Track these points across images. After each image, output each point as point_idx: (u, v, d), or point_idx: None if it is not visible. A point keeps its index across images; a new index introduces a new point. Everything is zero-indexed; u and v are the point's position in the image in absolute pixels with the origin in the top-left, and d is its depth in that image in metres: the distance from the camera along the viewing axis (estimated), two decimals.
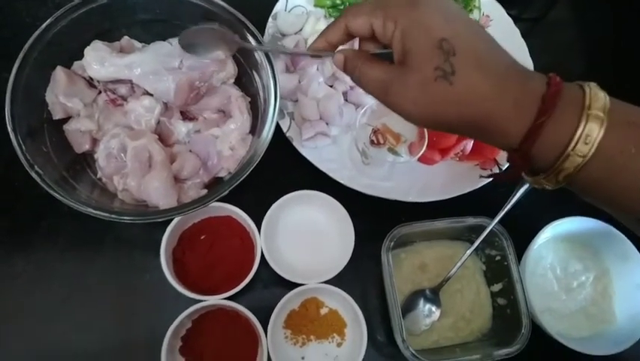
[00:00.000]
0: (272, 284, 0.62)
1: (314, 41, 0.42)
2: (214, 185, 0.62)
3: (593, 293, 0.66)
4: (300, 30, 0.73)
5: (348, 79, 0.68)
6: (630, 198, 0.34)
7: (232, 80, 0.63)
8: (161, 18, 0.62)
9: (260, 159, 0.55)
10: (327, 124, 0.67)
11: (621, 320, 0.64)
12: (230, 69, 0.62)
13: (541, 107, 0.33)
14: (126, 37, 0.63)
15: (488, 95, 0.34)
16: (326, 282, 0.59)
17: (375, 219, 0.63)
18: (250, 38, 0.59)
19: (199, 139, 0.62)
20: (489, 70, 0.34)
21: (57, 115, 0.58)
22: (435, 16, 0.35)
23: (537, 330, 0.60)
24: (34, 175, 0.51)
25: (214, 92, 0.62)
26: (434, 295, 0.62)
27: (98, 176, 0.59)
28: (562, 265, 0.67)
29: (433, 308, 0.62)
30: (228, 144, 0.61)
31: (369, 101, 0.68)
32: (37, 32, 0.55)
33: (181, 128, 0.62)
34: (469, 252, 0.61)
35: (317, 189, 0.63)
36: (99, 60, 0.57)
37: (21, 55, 0.54)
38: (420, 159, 0.67)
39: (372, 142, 0.65)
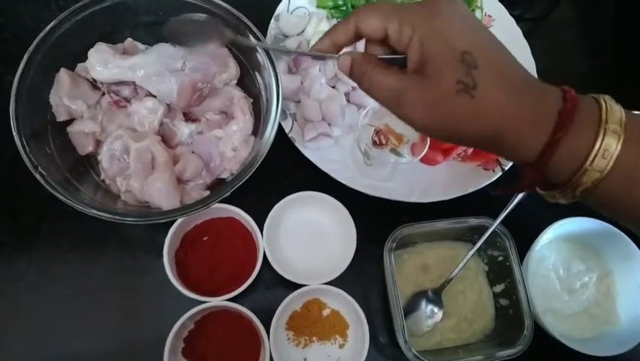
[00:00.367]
0: (274, 285, 0.62)
1: (318, 40, 0.40)
2: (216, 186, 0.62)
3: (596, 294, 0.66)
4: (303, 31, 0.73)
5: (349, 80, 0.68)
6: None
7: (234, 82, 0.64)
8: (164, 20, 0.62)
9: (262, 160, 0.55)
10: (329, 125, 0.67)
11: (624, 320, 0.64)
12: (233, 70, 0.62)
13: (558, 122, 0.33)
14: (129, 39, 0.63)
15: (507, 110, 0.33)
16: (328, 283, 0.59)
17: (377, 219, 0.63)
18: (252, 39, 0.60)
19: (202, 140, 0.62)
20: (509, 84, 0.34)
21: (61, 117, 0.59)
22: (457, 26, 0.34)
23: (540, 331, 0.60)
24: (37, 176, 0.51)
25: (217, 94, 0.62)
26: (436, 296, 0.62)
27: (102, 177, 0.59)
28: (564, 266, 0.66)
29: (436, 309, 0.62)
30: (231, 145, 0.61)
31: (372, 102, 0.68)
32: (41, 35, 0.55)
33: (184, 130, 0.62)
34: (471, 253, 0.61)
35: (319, 190, 0.63)
36: (103, 62, 0.57)
37: (25, 57, 0.54)
38: (422, 160, 0.67)
39: (374, 143, 0.65)
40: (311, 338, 0.60)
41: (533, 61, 0.75)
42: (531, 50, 0.75)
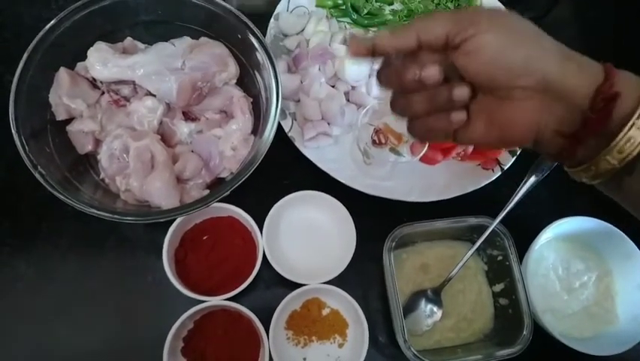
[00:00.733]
0: (274, 285, 0.62)
1: (389, 35, 0.39)
2: (216, 185, 0.62)
3: (596, 293, 0.66)
4: (302, 30, 0.73)
5: (349, 79, 0.68)
6: None
7: (234, 81, 0.64)
8: (164, 19, 0.63)
9: (262, 160, 0.55)
10: (328, 124, 0.67)
11: (624, 320, 0.64)
12: (232, 70, 0.62)
13: (606, 69, 0.36)
14: (129, 39, 0.63)
15: (555, 59, 0.37)
16: (328, 282, 0.59)
17: (376, 219, 0.63)
18: (252, 39, 0.60)
19: (201, 139, 0.62)
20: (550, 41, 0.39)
21: (60, 116, 0.59)
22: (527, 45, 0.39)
23: (539, 330, 0.60)
24: (37, 176, 0.51)
25: (216, 93, 0.62)
26: (436, 296, 0.62)
27: (101, 177, 0.59)
28: (564, 265, 0.67)
29: (435, 309, 0.62)
30: (230, 144, 0.61)
31: (371, 101, 0.68)
32: (40, 34, 0.55)
33: (183, 129, 0.62)
34: (470, 252, 0.61)
35: (319, 190, 0.63)
36: (102, 61, 0.57)
37: (24, 56, 0.54)
38: (421, 159, 0.67)
39: (373, 142, 0.65)
40: (310, 338, 0.60)
41: None
42: None
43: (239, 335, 0.57)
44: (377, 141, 0.64)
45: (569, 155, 0.38)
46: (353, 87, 0.69)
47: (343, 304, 0.61)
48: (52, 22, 0.56)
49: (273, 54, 0.59)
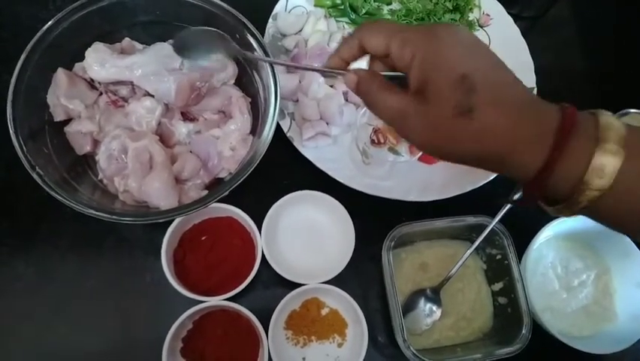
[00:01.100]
0: (273, 285, 0.62)
1: (328, 58, 0.41)
2: (215, 186, 0.62)
3: (594, 292, 0.66)
4: (300, 30, 0.73)
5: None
6: None
7: (232, 81, 0.64)
8: (162, 20, 0.63)
9: (260, 160, 0.55)
10: (327, 124, 0.67)
11: (622, 318, 0.64)
12: (231, 70, 0.62)
13: (555, 141, 0.33)
14: (127, 39, 0.63)
15: (506, 131, 0.34)
16: (327, 282, 0.59)
17: (375, 218, 0.63)
18: (250, 39, 0.60)
19: (200, 140, 0.62)
20: (508, 105, 0.34)
21: (58, 117, 0.59)
22: (457, 50, 0.35)
23: (538, 329, 0.60)
24: (35, 177, 0.51)
25: (215, 93, 0.62)
26: (435, 295, 0.62)
27: (99, 177, 0.59)
28: (563, 264, 0.67)
29: (434, 308, 0.62)
30: (229, 144, 0.61)
31: None
32: (38, 34, 0.55)
33: (182, 129, 0.62)
34: (469, 251, 0.61)
35: (317, 189, 0.63)
36: (100, 61, 0.57)
37: (22, 57, 0.54)
38: (420, 159, 0.67)
39: (372, 142, 0.65)
40: (310, 338, 0.60)
41: (531, 60, 0.75)
42: (529, 48, 0.76)
43: (238, 336, 0.57)
44: (376, 141, 0.64)
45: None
46: None
47: (342, 303, 0.61)
48: (49, 22, 0.56)
49: (271, 54, 0.59)
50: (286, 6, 0.74)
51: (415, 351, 0.56)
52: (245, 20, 0.59)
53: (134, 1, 0.60)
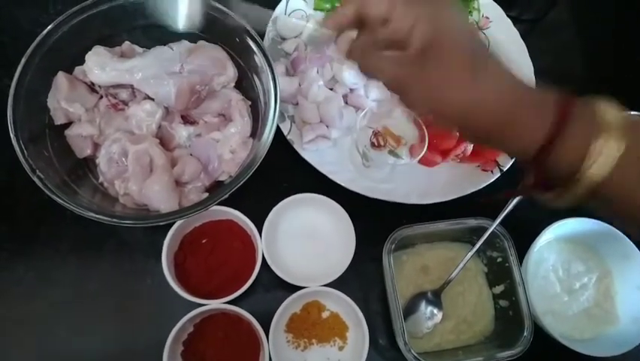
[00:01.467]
0: (273, 288, 0.62)
1: (321, 22, 0.40)
2: (215, 188, 0.62)
3: (596, 294, 0.66)
4: (300, 34, 0.73)
5: (347, 82, 0.68)
6: None
7: (232, 84, 0.64)
8: (162, 23, 0.63)
9: (260, 163, 0.55)
10: (327, 127, 0.67)
11: (624, 321, 0.64)
12: (231, 73, 0.62)
13: (559, 113, 0.33)
14: (127, 42, 0.63)
15: (510, 98, 0.34)
16: (327, 285, 0.59)
17: (376, 221, 0.63)
18: (250, 42, 0.60)
19: (200, 143, 0.62)
20: (511, 76, 0.35)
21: (59, 120, 0.59)
22: (463, 20, 0.36)
23: (539, 332, 0.60)
24: (36, 180, 0.51)
25: (215, 96, 0.62)
26: (436, 298, 0.62)
27: (100, 180, 0.59)
28: (564, 267, 0.66)
29: (435, 311, 0.62)
30: (229, 147, 0.61)
31: (370, 103, 0.68)
32: (38, 38, 0.55)
33: (182, 132, 0.62)
34: (470, 254, 0.61)
35: (318, 192, 0.63)
36: (100, 65, 0.57)
37: (22, 61, 0.54)
38: (420, 161, 0.67)
39: (372, 144, 0.65)
40: (310, 341, 0.60)
41: (531, 62, 0.75)
42: (528, 51, 0.76)
43: (239, 339, 0.57)
44: (376, 144, 0.64)
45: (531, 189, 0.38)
46: (351, 90, 0.69)
47: (343, 306, 0.61)
48: (50, 26, 0.56)
49: (271, 57, 0.59)
50: (286, 9, 0.74)
51: (416, 354, 0.55)
52: (245, 24, 0.60)
53: (134, 5, 0.60)
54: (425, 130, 0.63)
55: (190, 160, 0.60)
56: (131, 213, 0.58)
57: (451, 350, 0.62)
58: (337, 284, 0.59)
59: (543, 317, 0.61)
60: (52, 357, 0.58)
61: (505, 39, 0.78)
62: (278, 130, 0.61)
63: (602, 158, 0.32)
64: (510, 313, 0.62)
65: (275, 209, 0.61)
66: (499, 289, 0.64)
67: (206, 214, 0.59)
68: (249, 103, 0.63)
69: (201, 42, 0.64)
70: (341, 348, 0.60)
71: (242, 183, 0.54)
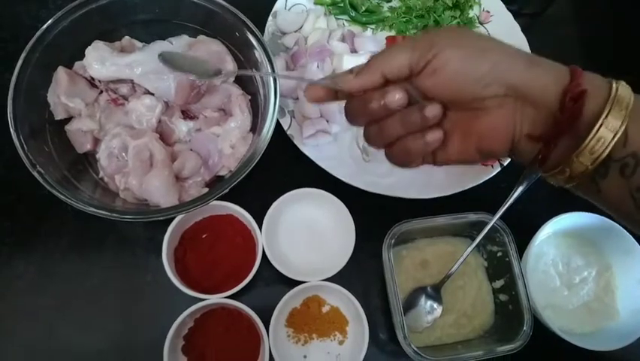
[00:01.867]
0: (273, 282, 0.62)
1: (343, 74, 0.41)
2: (215, 183, 0.62)
3: (596, 289, 0.66)
4: (300, 28, 0.73)
5: None
6: None
7: (232, 79, 0.64)
8: (161, 18, 0.63)
9: (260, 157, 0.55)
10: (327, 121, 0.67)
11: (624, 315, 0.64)
12: (231, 67, 0.62)
13: (572, 71, 0.37)
14: (127, 37, 0.63)
15: (521, 65, 0.38)
16: (327, 279, 0.59)
17: (376, 216, 0.63)
18: (250, 37, 0.60)
19: (200, 138, 0.62)
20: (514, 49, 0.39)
21: (59, 115, 0.59)
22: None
23: (539, 326, 0.60)
24: (36, 175, 0.51)
25: (214, 91, 0.62)
26: (436, 292, 0.62)
27: (100, 175, 0.59)
28: (564, 261, 0.66)
29: (435, 305, 0.62)
30: (229, 142, 0.61)
31: None
32: (38, 33, 0.55)
33: (182, 127, 0.62)
34: (470, 248, 0.61)
35: (318, 187, 0.63)
36: (100, 60, 0.57)
37: (22, 56, 0.54)
38: None
39: None
40: (310, 335, 0.60)
41: None
42: (529, 44, 0.75)
43: (239, 333, 0.57)
44: None
45: (544, 159, 0.39)
46: None
47: (343, 301, 0.61)
48: (49, 21, 0.56)
49: (271, 52, 0.59)
50: (286, 4, 0.73)
51: (415, 348, 0.56)
52: (244, 18, 0.59)
53: (134, 0, 0.60)
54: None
55: (190, 155, 0.60)
56: (132, 208, 0.58)
57: (450, 345, 0.62)
58: (337, 279, 0.59)
59: (543, 311, 0.61)
60: (52, 352, 0.58)
61: (506, 33, 0.77)
62: (278, 125, 0.61)
63: (618, 105, 0.35)
64: (510, 308, 0.62)
65: (275, 204, 0.61)
66: (499, 283, 0.64)
67: (206, 209, 0.59)
68: (249, 98, 0.63)
69: (201, 36, 0.63)
70: (341, 342, 0.61)
71: (242, 177, 0.54)
